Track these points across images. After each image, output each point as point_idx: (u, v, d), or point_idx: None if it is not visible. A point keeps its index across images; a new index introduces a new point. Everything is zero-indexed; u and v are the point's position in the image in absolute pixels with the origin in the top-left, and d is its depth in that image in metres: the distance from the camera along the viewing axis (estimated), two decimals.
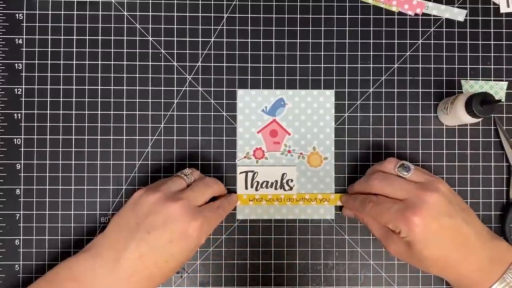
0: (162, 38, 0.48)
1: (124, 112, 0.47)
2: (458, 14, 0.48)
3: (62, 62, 0.47)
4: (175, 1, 0.48)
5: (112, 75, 0.47)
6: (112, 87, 0.47)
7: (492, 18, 0.48)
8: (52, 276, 0.39)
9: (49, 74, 0.47)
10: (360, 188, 0.43)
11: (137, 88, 0.47)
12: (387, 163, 0.41)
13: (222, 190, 0.45)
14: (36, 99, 0.47)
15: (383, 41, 0.48)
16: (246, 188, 0.47)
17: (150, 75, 0.47)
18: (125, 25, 0.48)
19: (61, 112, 0.47)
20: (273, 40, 0.48)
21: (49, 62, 0.47)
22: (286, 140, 0.47)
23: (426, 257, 0.38)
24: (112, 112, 0.47)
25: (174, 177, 0.42)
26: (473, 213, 0.40)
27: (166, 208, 0.38)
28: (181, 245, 0.38)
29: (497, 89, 0.48)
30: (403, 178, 0.40)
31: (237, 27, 0.48)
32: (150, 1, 0.48)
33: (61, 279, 0.38)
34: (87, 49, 0.47)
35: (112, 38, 0.47)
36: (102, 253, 0.38)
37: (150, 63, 0.47)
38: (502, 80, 0.48)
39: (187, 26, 0.48)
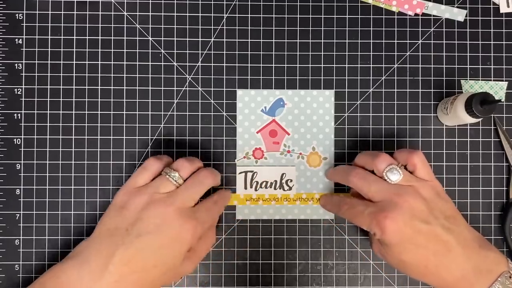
0: (162, 38, 0.48)
1: (124, 112, 0.47)
2: (458, 14, 0.48)
3: (62, 62, 0.47)
4: (175, 1, 0.48)
5: (112, 75, 0.47)
6: (112, 87, 0.47)
7: (492, 18, 0.48)
8: (38, 287, 0.37)
9: (49, 74, 0.47)
10: (339, 177, 0.44)
11: (137, 88, 0.47)
12: (379, 163, 0.39)
13: (216, 182, 0.43)
14: (36, 99, 0.47)
15: (383, 41, 0.48)
16: (246, 188, 0.47)
17: (150, 75, 0.47)
18: (125, 25, 0.48)
19: (61, 112, 0.47)
20: (273, 40, 0.48)
21: (49, 62, 0.47)
22: (285, 140, 0.47)
23: (404, 261, 0.38)
24: (112, 112, 0.47)
25: (162, 178, 0.40)
26: (461, 221, 0.39)
27: (156, 212, 0.37)
28: (173, 249, 0.37)
29: (497, 89, 0.48)
30: (386, 181, 0.39)
31: (237, 27, 0.48)
32: (150, 1, 0.48)
33: None
34: (87, 49, 0.47)
35: (112, 38, 0.47)
36: (89, 260, 0.36)
37: (150, 63, 0.47)
38: (502, 80, 0.48)
39: (187, 26, 0.48)
